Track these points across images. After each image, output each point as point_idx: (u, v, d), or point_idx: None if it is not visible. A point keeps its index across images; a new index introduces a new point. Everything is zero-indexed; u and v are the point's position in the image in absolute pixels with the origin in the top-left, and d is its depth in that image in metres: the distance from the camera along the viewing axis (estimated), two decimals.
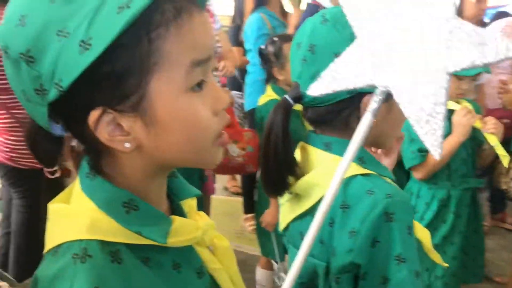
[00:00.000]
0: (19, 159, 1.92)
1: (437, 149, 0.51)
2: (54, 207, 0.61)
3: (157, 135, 0.57)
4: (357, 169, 0.89)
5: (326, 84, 0.60)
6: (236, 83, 3.54)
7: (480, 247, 1.98)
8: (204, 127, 0.59)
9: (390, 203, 0.84)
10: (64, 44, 0.51)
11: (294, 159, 0.97)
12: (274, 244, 2.28)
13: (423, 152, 1.79)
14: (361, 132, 0.59)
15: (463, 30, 0.50)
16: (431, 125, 0.51)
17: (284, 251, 2.31)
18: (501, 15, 3.43)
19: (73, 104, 0.55)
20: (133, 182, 0.61)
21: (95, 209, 0.58)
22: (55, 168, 0.68)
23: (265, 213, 2.24)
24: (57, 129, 0.60)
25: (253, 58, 2.95)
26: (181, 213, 0.69)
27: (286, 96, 0.97)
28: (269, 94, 2.24)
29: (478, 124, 1.77)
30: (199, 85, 0.57)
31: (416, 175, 1.84)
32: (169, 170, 0.67)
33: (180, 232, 0.63)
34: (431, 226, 1.80)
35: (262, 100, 2.26)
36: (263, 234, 2.33)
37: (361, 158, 0.90)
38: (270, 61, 2.22)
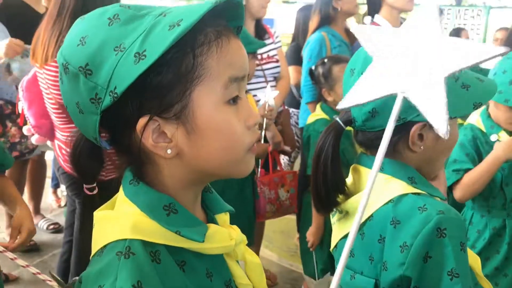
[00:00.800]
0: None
1: (445, 130, 0.62)
2: (99, 214, 0.67)
3: (196, 143, 0.63)
4: (408, 188, 0.93)
5: (352, 99, 0.69)
6: (294, 101, 3.58)
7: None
8: (238, 138, 0.65)
9: (442, 219, 0.86)
10: (120, 57, 0.58)
11: (343, 178, 1.02)
12: (315, 262, 2.28)
13: (459, 171, 1.75)
14: (386, 139, 0.66)
15: (449, 43, 0.63)
16: (439, 114, 0.62)
17: (323, 269, 2.29)
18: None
19: (123, 112, 0.61)
20: (172, 191, 0.66)
21: (138, 212, 0.64)
22: (94, 185, 0.74)
23: (309, 232, 2.26)
24: (103, 142, 0.66)
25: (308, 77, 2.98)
26: (216, 224, 0.73)
27: (338, 119, 1.03)
28: (318, 113, 2.27)
29: None
30: (234, 100, 0.64)
31: (455, 194, 1.78)
32: (205, 183, 0.72)
33: (215, 238, 0.67)
34: (483, 256, 1.74)
35: (311, 119, 2.29)
36: (307, 253, 2.34)
37: (411, 178, 0.95)
38: (320, 82, 2.25)
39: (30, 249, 3.08)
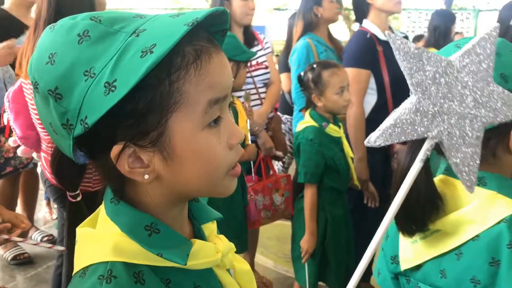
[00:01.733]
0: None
1: (472, 185, 0.63)
2: (81, 231, 0.66)
3: (174, 168, 0.61)
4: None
5: (387, 137, 0.64)
6: (288, 107, 3.59)
7: None
8: (218, 161, 0.62)
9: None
10: (90, 84, 0.55)
11: (439, 195, 0.93)
12: (306, 272, 2.26)
13: None
14: (411, 178, 0.65)
15: (497, 92, 0.60)
16: (471, 169, 0.61)
17: (315, 280, 2.27)
18: None
19: (96, 139, 0.59)
20: (154, 208, 0.64)
21: (119, 233, 0.62)
22: (77, 192, 0.74)
23: (303, 240, 2.24)
24: (81, 158, 0.64)
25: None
26: (202, 237, 0.71)
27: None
28: (307, 121, 2.27)
29: None
30: (216, 121, 0.61)
31: None
32: (187, 200, 0.70)
33: (200, 254, 0.65)
34: None
35: (300, 126, 2.29)
36: (299, 259, 2.32)
37: None
38: (310, 87, 2.25)
39: (24, 261, 3.06)
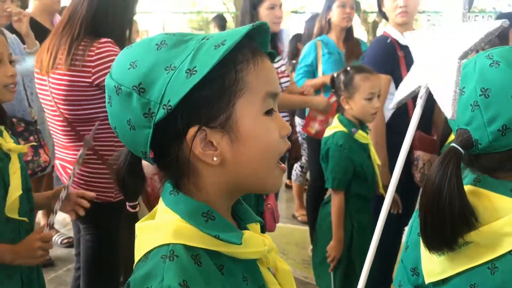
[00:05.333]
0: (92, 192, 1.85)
1: (450, 108, 0.71)
2: (141, 225, 0.73)
3: (238, 149, 0.70)
4: None
5: (397, 96, 0.76)
6: (302, 110, 3.59)
7: None
8: (273, 145, 0.72)
9: None
10: (172, 75, 0.66)
11: (471, 208, 0.90)
12: (332, 280, 2.23)
13: None
14: (415, 121, 0.74)
15: (465, 28, 0.71)
16: (448, 95, 0.71)
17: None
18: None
19: (174, 124, 0.68)
20: (211, 199, 0.72)
21: (179, 219, 0.70)
22: (137, 202, 0.78)
23: (330, 246, 2.21)
24: (149, 159, 0.73)
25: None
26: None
27: (455, 145, 0.93)
28: (336, 126, 2.24)
29: None
30: (269, 112, 0.72)
31: None
32: (239, 195, 0.78)
33: (251, 243, 0.72)
34: None
35: (328, 131, 2.26)
36: (321, 265, 2.30)
37: None
38: (340, 89, 2.23)
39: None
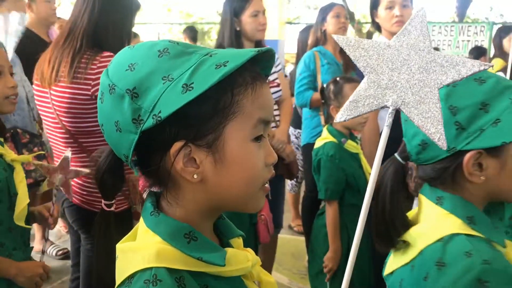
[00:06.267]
0: (95, 203, 1.89)
1: (443, 141, 0.68)
2: (122, 246, 0.72)
3: (221, 171, 0.69)
4: (463, 228, 0.89)
5: (348, 112, 0.74)
6: (299, 121, 3.60)
7: None
8: (257, 173, 0.71)
9: (485, 269, 0.80)
10: (168, 86, 0.65)
11: (402, 214, 0.99)
12: None
13: None
14: (382, 144, 0.73)
15: (439, 58, 0.70)
16: (435, 126, 0.68)
17: None
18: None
19: (160, 135, 0.67)
20: (191, 217, 0.72)
21: (160, 241, 0.68)
22: (113, 201, 0.81)
23: (326, 257, 2.20)
24: (131, 163, 0.72)
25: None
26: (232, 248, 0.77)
27: (396, 155, 1.02)
28: (326, 137, 2.25)
29: None
30: (258, 138, 0.71)
31: None
32: (220, 212, 0.78)
33: (234, 261, 0.72)
34: None
35: (319, 142, 2.28)
36: (317, 276, 2.29)
37: (470, 218, 0.90)
38: (330, 99, 2.26)
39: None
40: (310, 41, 3.40)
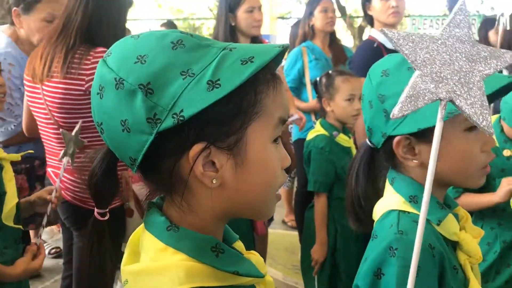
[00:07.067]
0: (88, 200, 1.83)
1: (490, 126, 0.68)
2: (133, 269, 0.65)
3: (241, 175, 0.64)
4: (401, 206, 0.95)
5: (406, 106, 0.71)
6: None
7: None
8: (276, 177, 0.67)
9: (397, 239, 0.89)
10: (189, 82, 0.59)
11: (370, 195, 1.05)
12: (316, 283, 2.24)
13: (458, 190, 1.76)
14: (436, 140, 0.71)
15: (482, 50, 0.71)
16: (484, 116, 0.69)
17: None
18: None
19: (181, 135, 0.61)
20: (207, 225, 0.66)
21: (186, 258, 0.62)
22: (106, 210, 0.73)
23: (313, 250, 2.22)
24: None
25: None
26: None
27: (367, 141, 1.06)
28: (318, 129, 2.27)
29: None
30: (276, 140, 0.67)
31: None
32: (230, 218, 0.71)
33: (261, 267, 0.70)
34: (494, 269, 1.71)
35: (311, 135, 2.29)
36: (309, 271, 2.30)
37: (413, 197, 0.94)
38: (322, 91, 2.26)
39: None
40: (299, 36, 3.38)
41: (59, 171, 1.79)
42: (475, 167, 0.93)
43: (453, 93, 0.71)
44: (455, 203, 1.02)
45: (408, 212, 0.93)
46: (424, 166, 0.93)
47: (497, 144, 1.75)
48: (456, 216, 0.96)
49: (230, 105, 0.61)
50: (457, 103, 0.70)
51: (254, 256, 0.72)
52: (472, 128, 0.89)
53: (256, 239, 2.44)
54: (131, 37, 0.66)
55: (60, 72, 1.78)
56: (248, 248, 0.78)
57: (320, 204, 2.20)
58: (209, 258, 0.63)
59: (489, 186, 1.78)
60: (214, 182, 0.63)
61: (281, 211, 4.28)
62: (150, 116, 0.60)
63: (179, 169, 0.63)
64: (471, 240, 0.94)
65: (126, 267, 0.66)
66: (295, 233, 3.69)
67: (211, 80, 0.59)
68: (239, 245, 0.76)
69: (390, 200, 0.97)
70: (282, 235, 3.89)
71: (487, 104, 0.70)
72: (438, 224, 0.93)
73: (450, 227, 0.93)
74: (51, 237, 3.70)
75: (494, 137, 0.99)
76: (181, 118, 0.59)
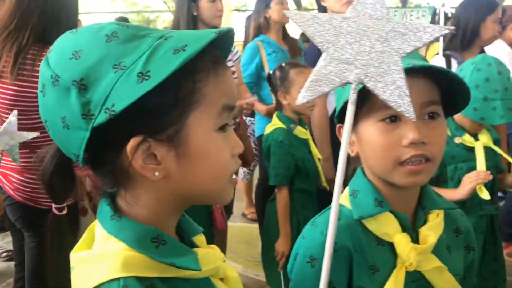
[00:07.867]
0: (40, 199, 1.77)
1: (411, 112, 0.65)
2: (78, 256, 0.65)
3: (185, 167, 0.64)
4: (344, 201, 0.96)
5: (310, 92, 0.70)
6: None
7: (500, 274, 1.92)
8: (225, 165, 0.67)
9: (307, 229, 0.95)
10: (120, 75, 0.58)
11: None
12: (282, 276, 2.24)
13: None
14: (348, 123, 0.69)
15: (399, 26, 0.67)
16: (402, 98, 0.65)
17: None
18: None
19: (115, 130, 0.61)
20: (155, 217, 0.66)
21: (126, 248, 0.62)
22: (64, 205, 0.72)
23: (278, 243, 2.22)
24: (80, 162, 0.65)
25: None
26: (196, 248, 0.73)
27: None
28: (275, 123, 2.27)
29: (480, 190, 1.72)
30: (223, 128, 0.66)
31: None
32: (185, 207, 0.72)
33: (205, 261, 0.68)
34: None
35: (268, 128, 2.29)
36: (270, 263, 2.30)
37: (354, 192, 0.95)
38: (276, 85, 2.26)
39: None
40: (251, 29, 3.29)
41: (11, 172, 1.73)
42: (392, 160, 0.88)
43: (363, 75, 0.67)
44: (436, 205, 0.95)
45: (343, 206, 0.94)
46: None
47: (449, 133, 1.79)
48: (404, 217, 0.91)
49: (165, 96, 0.60)
50: (369, 86, 0.67)
51: (203, 250, 0.71)
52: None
53: (215, 234, 2.42)
54: (70, 32, 0.65)
55: (11, 74, 1.70)
56: (207, 243, 0.77)
57: (282, 197, 2.21)
58: (148, 248, 0.63)
59: (442, 174, 1.82)
60: (156, 174, 0.63)
61: (241, 204, 4.27)
62: (84, 112, 0.59)
63: (121, 163, 0.63)
64: (406, 246, 0.87)
65: (73, 254, 0.66)
66: (255, 226, 3.69)
67: (141, 72, 0.58)
68: (200, 238, 0.75)
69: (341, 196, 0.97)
70: (242, 228, 3.89)
71: (406, 85, 0.66)
72: (358, 220, 0.91)
73: (382, 226, 0.90)
74: (2, 239, 3.56)
75: (446, 124, 0.96)
76: (113, 113, 0.58)
